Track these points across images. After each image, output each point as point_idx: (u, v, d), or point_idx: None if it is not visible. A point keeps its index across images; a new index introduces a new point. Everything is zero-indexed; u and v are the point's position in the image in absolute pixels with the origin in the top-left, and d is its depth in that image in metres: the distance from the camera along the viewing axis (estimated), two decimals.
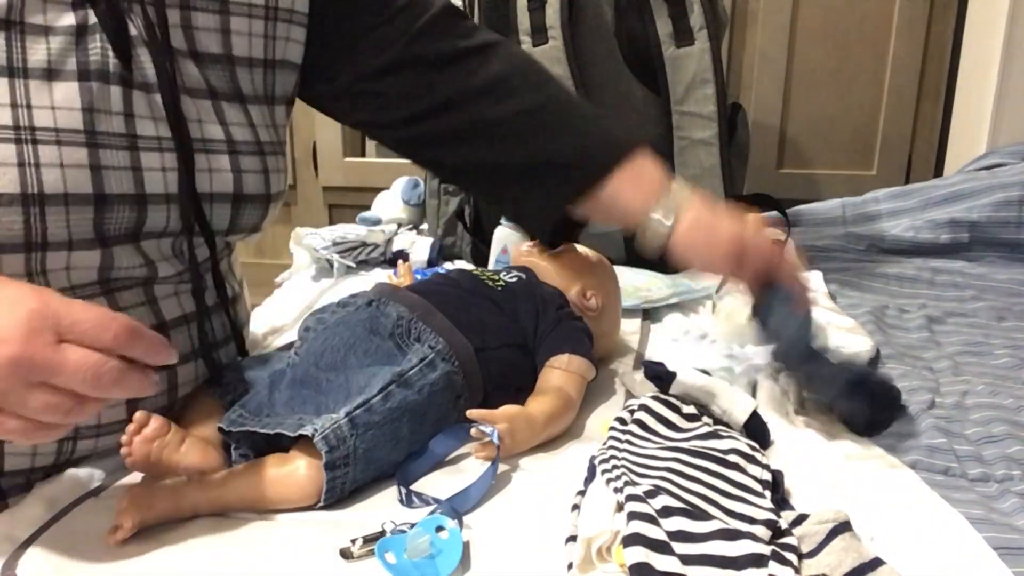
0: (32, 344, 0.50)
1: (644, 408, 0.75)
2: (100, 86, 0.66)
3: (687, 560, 0.53)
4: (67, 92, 0.64)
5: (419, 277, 1.04)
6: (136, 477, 0.69)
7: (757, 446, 0.71)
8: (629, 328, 1.08)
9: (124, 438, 0.67)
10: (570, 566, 0.56)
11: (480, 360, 0.80)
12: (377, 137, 0.94)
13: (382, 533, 0.60)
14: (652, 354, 1.02)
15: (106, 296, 0.70)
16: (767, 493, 0.64)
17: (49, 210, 0.63)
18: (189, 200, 0.71)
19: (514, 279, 0.91)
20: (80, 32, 0.66)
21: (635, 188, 0.79)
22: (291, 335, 1.03)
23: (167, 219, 0.71)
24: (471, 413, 0.73)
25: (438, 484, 0.70)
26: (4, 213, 0.62)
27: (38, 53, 0.64)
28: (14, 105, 0.62)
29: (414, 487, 0.68)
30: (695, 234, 0.76)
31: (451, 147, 0.85)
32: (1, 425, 0.51)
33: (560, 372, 0.82)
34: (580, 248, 0.99)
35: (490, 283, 0.89)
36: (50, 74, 0.64)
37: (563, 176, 0.82)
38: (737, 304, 1.02)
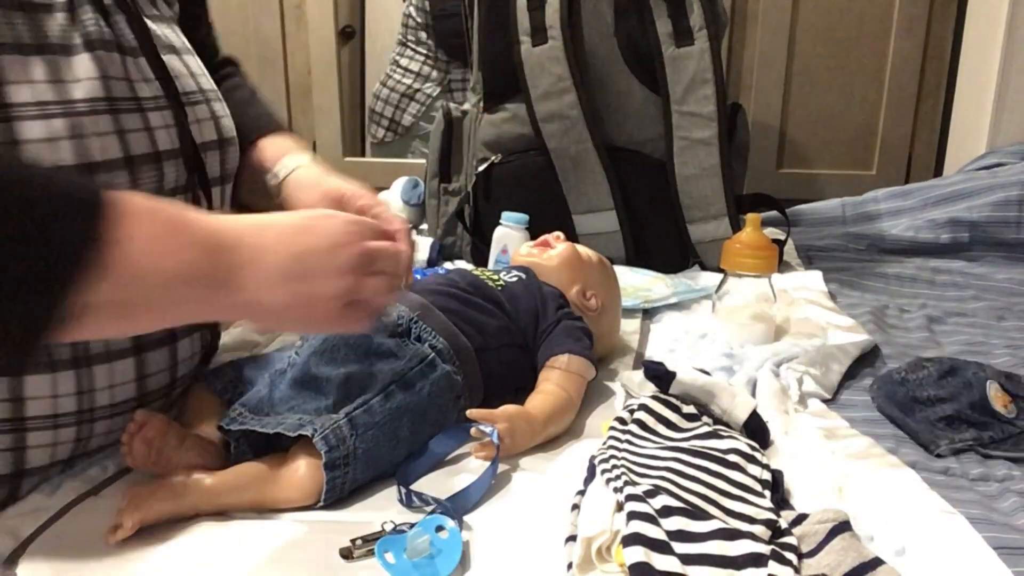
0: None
1: (644, 408, 0.75)
2: (105, 54, 0.69)
3: (687, 560, 0.53)
4: (84, 64, 0.67)
5: (419, 277, 1.04)
6: (137, 477, 0.70)
7: (757, 446, 0.71)
8: (629, 328, 1.08)
9: (124, 436, 0.67)
10: (570, 566, 0.56)
11: (480, 360, 0.80)
12: None
13: (382, 533, 0.60)
14: (652, 354, 1.02)
15: None
16: (767, 493, 0.64)
17: (97, 178, 0.66)
18: (192, 151, 0.76)
19: (514, 279, 0.91)
20: (70, 6, 0.68)
21: (265, 152, 0.92)
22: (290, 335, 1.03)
23: (176, 174, 0.74)
24: (471, 413, 0.73)
25: (438, 484, 0.70)
26: None
27: (52, 29, 0.66)
28: (51, 81, 0.64)
29: (414, 487, 0.68)
30: (298, 182, 0.88)
31: None
32: (354, 312, 0.62)
33: (560, 372, 0.82)
34: (580, 248, 0.99)
35: (490, 283, 0.89)
36: (67, 49, 0.66)
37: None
38: (737, 304, 1.02)
